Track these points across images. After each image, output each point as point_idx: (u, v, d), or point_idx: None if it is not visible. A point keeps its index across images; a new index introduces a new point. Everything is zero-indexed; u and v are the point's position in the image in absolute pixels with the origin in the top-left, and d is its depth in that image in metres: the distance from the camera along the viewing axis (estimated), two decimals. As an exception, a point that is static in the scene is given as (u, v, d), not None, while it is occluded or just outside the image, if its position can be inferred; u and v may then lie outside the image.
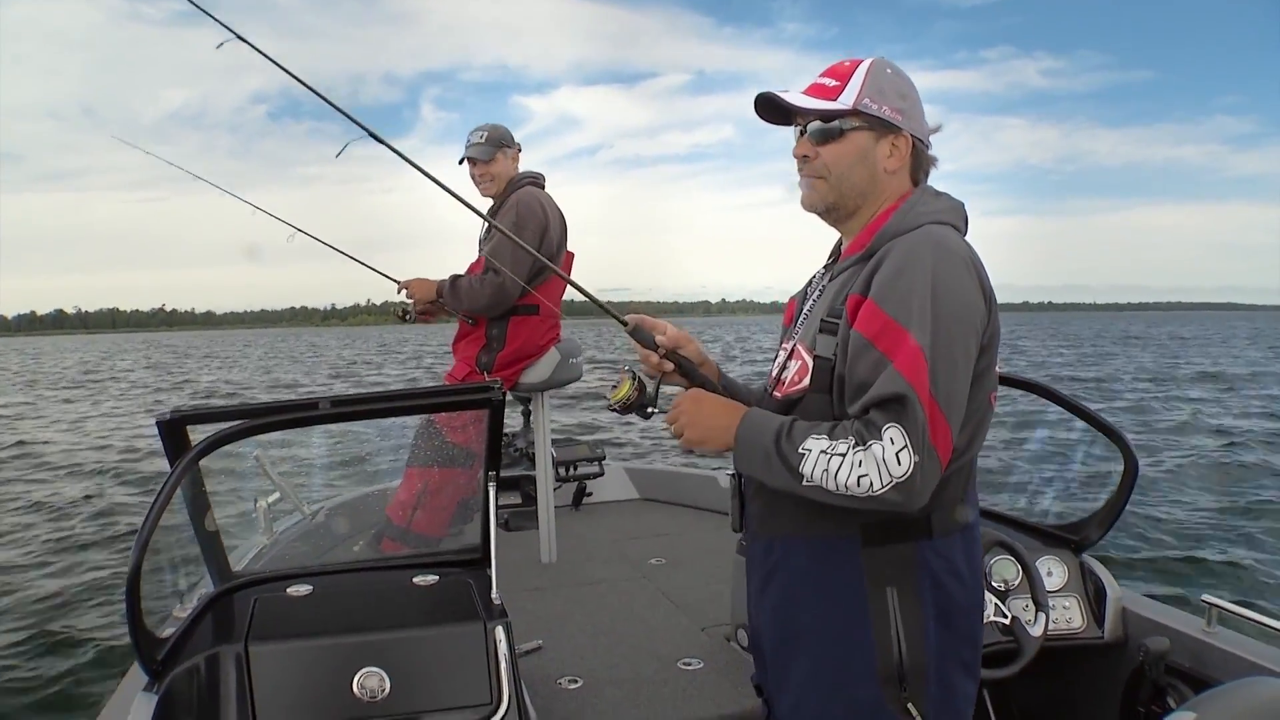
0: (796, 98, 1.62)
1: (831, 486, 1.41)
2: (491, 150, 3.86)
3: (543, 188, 3.94)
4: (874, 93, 1.59)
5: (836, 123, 1.60)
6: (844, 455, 1.40)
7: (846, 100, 1.59)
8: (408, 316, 4.00)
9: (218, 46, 2.19)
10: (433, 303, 3.89)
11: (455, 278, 3.80)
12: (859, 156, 1.60)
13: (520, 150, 3.98)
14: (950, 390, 1.42)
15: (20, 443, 14.95)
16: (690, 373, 1.75)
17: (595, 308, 1.92)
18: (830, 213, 1.66)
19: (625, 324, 1.77)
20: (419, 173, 2.11)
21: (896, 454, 1.37)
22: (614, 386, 1.75)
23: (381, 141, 2.15)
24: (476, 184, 3.91)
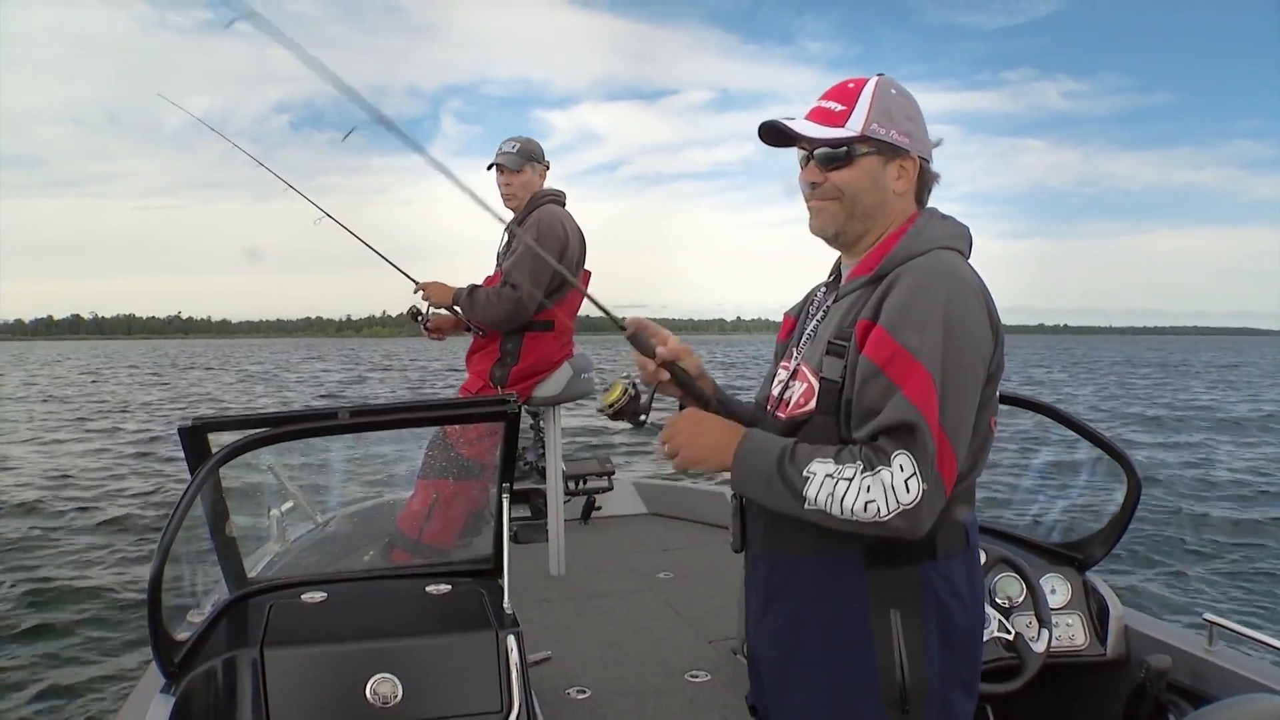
0: (803, 125, 1.59)
1: (836, 511, 1.39)
2: (521, 161, 3.89)
3: (564, 206, 3.99)
4: (882, 116, 1.57)
5: (845, 149, 1.57)
6: (850, 480, 1.38)
7: (855, 125, 1.56)
8: (420, 318, 4.02)
9: (227, 25, 2.07)
10: (448, 308, 3.91)
11: (474, 288, 3.82)
12: (869, 181, 1.58)
13: (548, 168, 4.01)
14: (958, 420, 1.42)
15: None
16: (686, 385, 1.71)
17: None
18: (839, 237, 1.63)
19: (624, 328, 1.73)
20: (437, 169, 1.97)
21: (905, 481, 1.36)
22: (605, 390, 1.71)
23: (391, 126, 2.02)
24: (502, 192, 3.95)
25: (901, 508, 1.37)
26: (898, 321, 1.44)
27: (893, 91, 1.60)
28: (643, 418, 1.72)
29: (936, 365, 1.40)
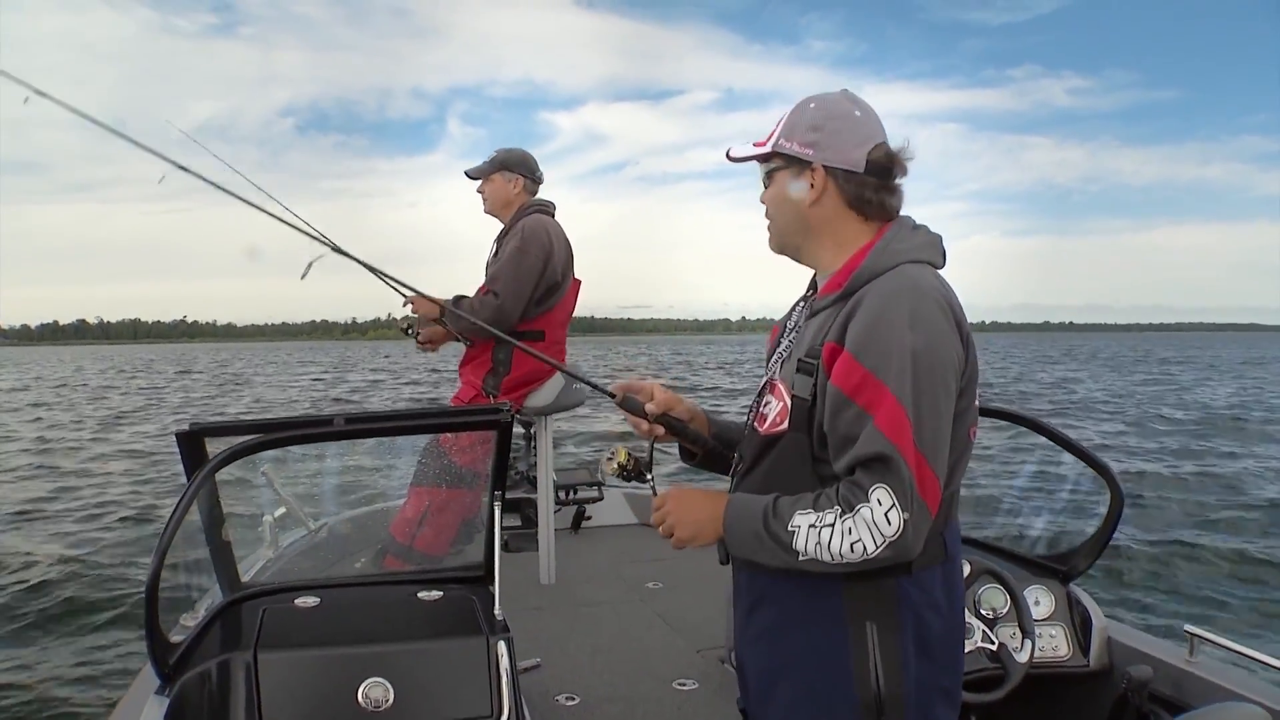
0: (738, 148, 1.70)
1: (826, 558, 1.43)
2: (488, 170, 3.98)
3: (553, 216, 4.02)
4: (787, 131, 1.63)
5: (766, 165, 1.68)
6: (833, 525, 1.42)
7: (771, 144, 1.65)
8: (410, 331, 4.03)
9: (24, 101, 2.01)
10: (436, 320, 3.89)
11: (458, 299, 3.84)
12: (784, 196, 1.65)
13: (530, 180, 4.02)
14: (935, 441, 1.43)
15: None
16: (682, 432, 1.80)
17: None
18: (784, 252, 1.72)
19: (613, 396, 1.80)
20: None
21: (886, 514, 1.39)
22: (609, 458, 1.84)
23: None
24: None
25: (886, 540, 1.40)
26: (862, 346, 1.45)
27: (811, 105, 1.62)
28: (649, 476, 1.84)
29: (905, 389, 1.41)
